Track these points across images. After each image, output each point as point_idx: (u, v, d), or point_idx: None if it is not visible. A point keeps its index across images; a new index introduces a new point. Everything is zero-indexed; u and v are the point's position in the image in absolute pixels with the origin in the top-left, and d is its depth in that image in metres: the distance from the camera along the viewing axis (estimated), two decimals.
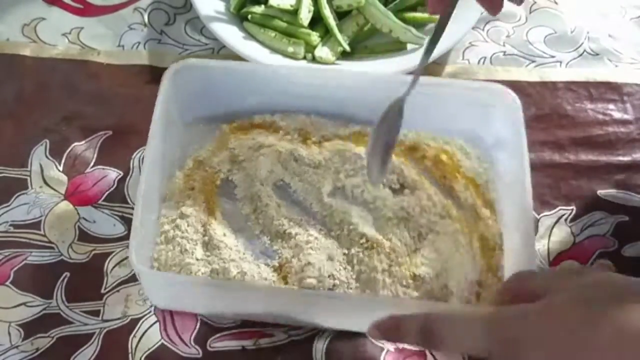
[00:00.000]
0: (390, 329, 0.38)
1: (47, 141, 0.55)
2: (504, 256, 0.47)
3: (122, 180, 0.53)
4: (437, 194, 0.50)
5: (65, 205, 0.52)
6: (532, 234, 0.44)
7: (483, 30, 0.64)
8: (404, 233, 0.48)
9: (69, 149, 0.55)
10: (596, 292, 0.34)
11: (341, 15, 0.62)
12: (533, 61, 0.62)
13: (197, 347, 0.45)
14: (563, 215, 0.52)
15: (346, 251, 0.47)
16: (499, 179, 0.51)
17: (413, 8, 0.62)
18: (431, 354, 0.45)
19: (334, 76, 0.54)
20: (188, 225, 0.48)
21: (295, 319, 0.46)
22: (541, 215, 0.52)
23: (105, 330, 0.46)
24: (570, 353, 0.32)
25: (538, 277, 0.39)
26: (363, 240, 0.47)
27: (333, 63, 0.60)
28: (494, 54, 0.62)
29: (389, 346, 0.45)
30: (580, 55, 0.62)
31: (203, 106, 0.53)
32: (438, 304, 0.44)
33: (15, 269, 0.49)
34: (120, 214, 0.51)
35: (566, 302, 0.33)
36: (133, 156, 0.54)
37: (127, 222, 0.50)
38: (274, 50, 0.60)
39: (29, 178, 0.53)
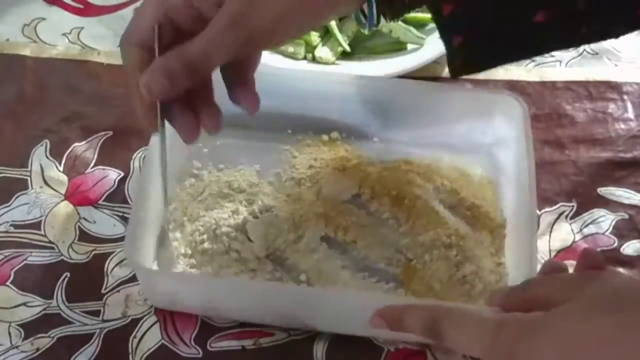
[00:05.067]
0: (395, 318, 0.37)
1: (47, 141, 0.55)
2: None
3: (122, 181, 0.53)
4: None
5: (66, 206, 0.52)
6: (534, 233, 0.44)
7: None
8: None
9: (69, 149, 0.55)
10: (613, 302, 0.31)
11: None
12: (533, 60, 0.62)
13: (197, 347, 0.45)
14: (564, 211, 0.52)
15: None
16: (502, 178, 0.51)
17: None
18: (432, 355, 0.45)
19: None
20: None
21: (293, 318, 0.46)
22: (542, 211, 0.52)
23: (105, 331, 0.46)
24: None
25: (543, 286, 0.37)
26: None
27: (333, 63, 0.60)
28: None
29: (390, 346, 0.45)
30: (580, 54, 0.62)
31: None
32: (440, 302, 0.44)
33: (16, 269, 0.49)
34: (120, 214, 0.51)
35: (581, 319, 0.31)
36: (133, 156, 0.54)
37: (128, 222, 0.50)
38: (274, 50, 0.60)
39: (29, 178, 0.53)
